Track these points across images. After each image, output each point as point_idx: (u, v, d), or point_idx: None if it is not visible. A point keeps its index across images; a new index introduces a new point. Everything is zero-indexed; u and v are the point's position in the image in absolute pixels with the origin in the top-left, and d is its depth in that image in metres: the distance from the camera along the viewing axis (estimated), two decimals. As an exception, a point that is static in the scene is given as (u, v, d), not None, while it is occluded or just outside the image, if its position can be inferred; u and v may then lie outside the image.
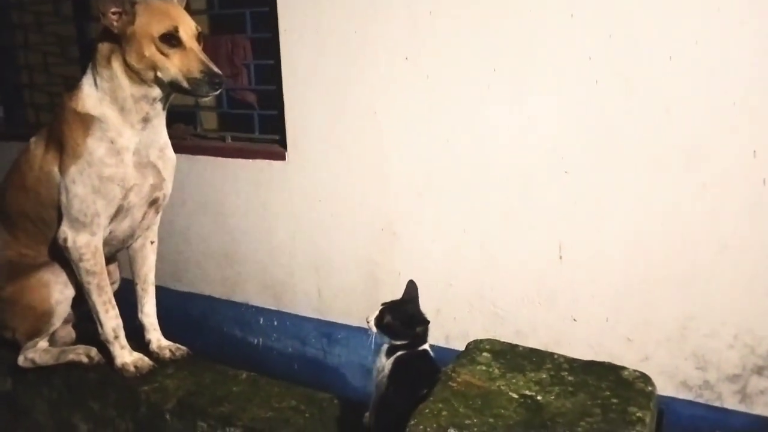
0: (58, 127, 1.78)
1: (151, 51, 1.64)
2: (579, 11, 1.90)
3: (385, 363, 1.56)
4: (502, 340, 1.63)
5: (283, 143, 2.53)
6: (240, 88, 2.82)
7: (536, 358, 1.48)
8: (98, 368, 1.94)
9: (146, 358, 1.92)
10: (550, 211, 2.07)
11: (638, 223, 1.95)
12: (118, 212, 1.80)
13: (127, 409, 1.86)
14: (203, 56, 1.66)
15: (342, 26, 2.28)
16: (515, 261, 2.17)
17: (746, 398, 1.91)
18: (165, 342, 2.01)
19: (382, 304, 1.65)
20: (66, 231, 1.78)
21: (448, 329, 2.33)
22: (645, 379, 1.38)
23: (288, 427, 1.67)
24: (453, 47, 2.11)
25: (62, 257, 1.86)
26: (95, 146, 1.72)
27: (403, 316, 1.57)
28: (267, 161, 2.56)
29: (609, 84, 1.91)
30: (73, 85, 1.81)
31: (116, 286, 2.12)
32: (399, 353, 1.54)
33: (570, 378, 1.38)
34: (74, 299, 1.96)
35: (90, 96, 1.73)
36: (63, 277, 1.90)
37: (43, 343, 1.99)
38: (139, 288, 2.02)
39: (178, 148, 1.94)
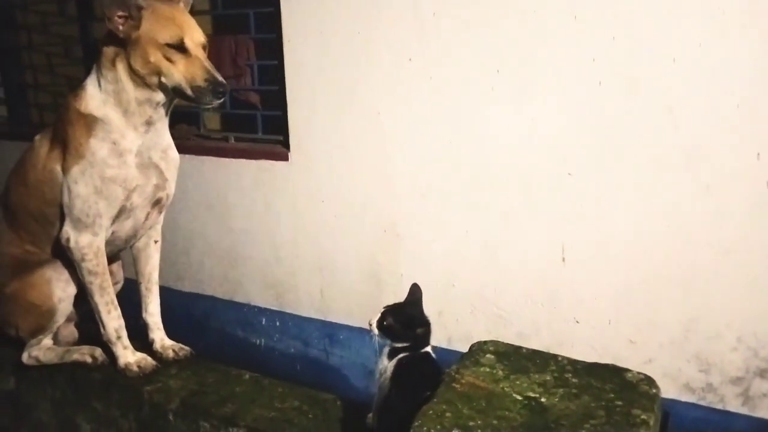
0: (62, 126, 1.79)
1: (156, 57, 1.65)
2: (582, 13, 1.90)
3: (387, 365, 1.56)
4: (505, 341, 1.63)
5: (286, 144, 2.53)
6: (243, 89, 2.82)
7: (540, 359, 1.48)
8: (102, 368, 1.94)
9: (149, 358, 1.92)
10: (552, 213, 2.07)
11: (641, 225, 1.95)
12: (121, 213, 1.80)
13: (131, 409, 1.86)
14: (208, 64, 1.66)
15: (346, 27, 2.28)
16: (518, 262, 2.16)
17: (749, 401, 1.91)
18: (168, 342, 2.02)
19: (384, 307, 1.65)
20: (68, 231, 1.79)
21: (450, 331, 2.33)
22: (649, 381, 1.38)
23: (291, 427, 1.68)
24: (457, 48, 2.11)
25: (65, 255, 1.87)
26: (98, 147, 1.72)
27: (404, 319, 1.57)
28: (270, 162, 2.56)
29: (612, 85, 1.91)
30: (76, 85, 1.82)
31: (119, 286, 2.12)
32: (401, 356, 1.55)
33: (574, 380, 1.39)
34: (77, 298, 1.97)
35: (94, 97, 1.74)
36: (65, 274, 1.90)
37: (47, 341, 1.99)
38: (142, 287, 2.02)
39: (181, 149, 1.95)
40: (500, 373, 1.43)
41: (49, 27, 3.35)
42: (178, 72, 1.65)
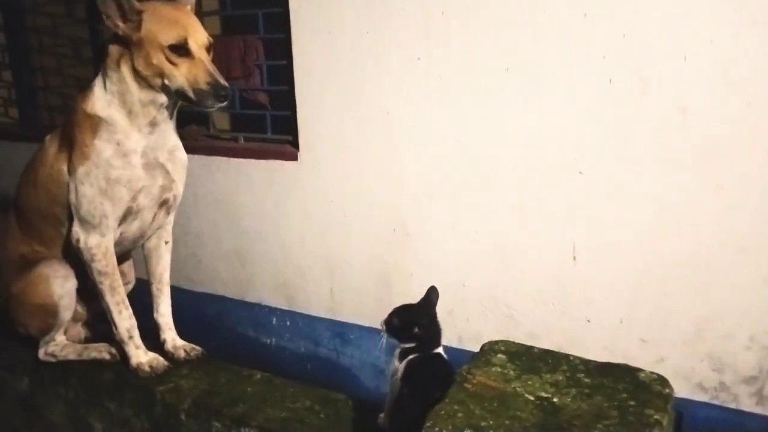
0: (70, 127, 1.80)
1: (159, 59, 1.64)
2: (592, 10, 1.89)
3: (398, 366, 1.57)
4: (516, 341, 1.63)
5: (295, 144, 2.53)
6: (252, 89, 2.83)
7: (552, 359, 1.47)
8: (114, 368, 1.95)
9: (161, 358, 1.93)
10: (563, 212, 2.06)
11: (653, 224, 1.94)
12: (128, 214, 1.81)
13: (143, 408, 1.87)
14: (211, 67, 1.65)
15: (354, 26, 2.28)
16: (528, 262, 2.16)
17: (763, 400, 1.89)
18: (180, 342, 2.02)
19: (395, 307, 1.66)
20: (78, 232, 1.80)
21: (461, 330, 2.33)
22: (662, 381, 1.37)
23: (303, 427, 1.68)
24: (466, 47, 2.10)
25: (69, 252, 1.87)
26: (102, 148, 1.73)
27: (407, 319, 1.58)
28: (279, 162, 2.57)
29: (623, 83, 1.90)
30: (86, 86, 1.82)
31: (130, 286, 2.14)
32: (411, 356, 1.55)
33: (586, 380, 1.38)
34: (89, 298, 1.98)
35: (99, 98, 1.74)
36: (62, 271, 1.91)
37: (60, 337, 2.01)
38: (154, 288, 2.03)
39: (190, 149, 1.95)
40: (512, 373, 1.42)
41: (59, 29, 3.37)
42: (180, 75, 1.64)
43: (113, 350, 1.99)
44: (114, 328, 1.89)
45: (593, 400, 1.31)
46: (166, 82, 1.66)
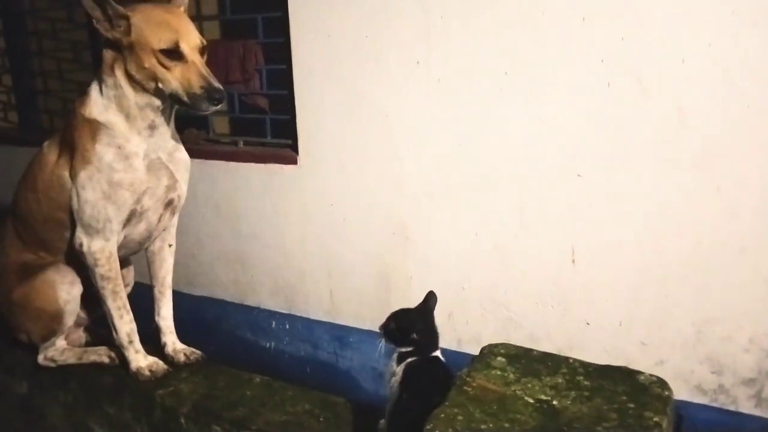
0: (69, 132, 1.79)
1: (151, 63, 1.63)
2: (591, 14, 1.90)
3: (396, 369, 1.57)
4: (515, 344, 1.63)
5: (295, 147, 2.54)
6: (252, 93, 2.83)
7: (551, 362, 1.48)
8: (114, 371, 1.95)
9: (161, 362, 1.93)
10: (562, 214, 2.07)
11: (652, 226, 1.94)
12: (132, 216, 1.80)
13: (143, 412, 1.87)
14: (205, 70, 1.63)
15: (354, 30, 2.29)
16: (528, 264, 2.16)
17: (762, 402, 1.89)
18: (180, 345, 2.02)
19: (393, 312, 1.66)
20: (81, 236, 1.80)
21: (460, 333, 2.33)
22: (661, 383, 1.37)
23: (302, 431, 1.68)
24: (465, 51, 2.11)
25: (72, 258, 1.87)
26: (103, 152, 1.72)
27: (403, 323, 1.58)
28: (279, 165, 2.57)
29: (622, 86, 1.90)
30: (85, 90, 1.83)
31: (129, 288, 2.14)
32: (409, 360, 1.55)
33: (586, 383, 1.38)
34: (88, 303, 1.98)
35: (97, 102, 1.74)
36: (69, 276, 1.91)
37: (61, 342, 2.01)
38: (156, 291, 2.03)
39: (190, 153, 1.95)
40: (511, 376, 1.43)
41: (59, 33, 3.38)
42: (174, 79, 1.63)
43: (113, 354, 1.99)
44: (114, 333, 1.89)
45: (593, 402, 1.31)
46: (160, 85, 1.65)
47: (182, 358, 1.99)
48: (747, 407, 1.91)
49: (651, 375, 1.41)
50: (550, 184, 2.07)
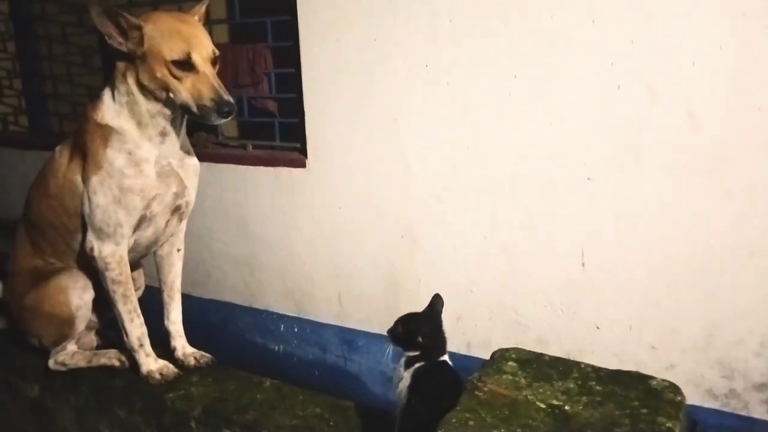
0: (81, 137, 1.80)
1: (163, 73, 1.63)
2: (600, 17, 1.89)
3: (404, 374, 1.57)
4: (524, 347, 1.63)
5: (303, 151, 2.54)
6: (261, 97, 2.84)
7: (563, 367, 1.47)
8: (124, 375, 1.96)
9: (171, 366, 1.94)
10: (572, 218, 2.06)
11: (662, 230, 1.93)
12: (141, 221, 1.81)
13: (153, 416, 1.88)
14: (216, 82, 1.63)
15: (362, 34, 2.29)
16: (537, 268, 2.15)
17: (774, 407, 1.88)
18: (190, 349, 2.03)
19: (400, 316, 1.66)
20: (92, 241, 1.81)
21: (469, 337, 2.33)
22: (674, 388, 1.37)
23: (312, 435, 1.68)
24: (473, 54, 2.11)
25: (84, 263, 1.88)
26: (114, 157, 1.73)
27: (410, 327, 1.58)
28: (288, 169, 2.58)
29: (631, 90, 1.90)
30: (95, 95, 1.83)
31: (140, 292, 2.15)
32: (417, 364, 1.55)
33: (598, 387, 1.38)
34: (99, 307, 1.99)
35: (109, 108, 1.75)
36: (81, 281, 1.92)
37: (71, 347, 2.02)
38: (165, 295, 2.04)
39: (199, 157, 1.96)
40: (523, 380, 1.42)
41: (69, 37, 3.40)
42: (185, 90, 1.63)
43: (123, 357, 2.00)
44: (125, 336, 1.90)
45: (605, 407, 1.31)
46: (171, 95, 1.66)
47: (192, 361, 2.00)
48: (759, 412, 1.90)
49: (663, 380, 1.40)
50: (559, 187, 2.06)
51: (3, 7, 3.57)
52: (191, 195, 1.91)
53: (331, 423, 1.73)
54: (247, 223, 2.75)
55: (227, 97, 1.63)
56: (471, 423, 1.28)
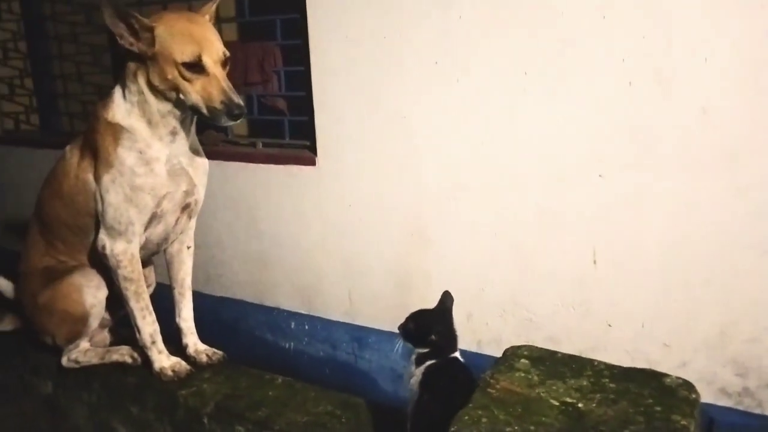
0: (92, 135, 1.81)
1: (173, 74, 1.64)
2: (611, 12, 1.88)
3: (414, 371, 1.57)
4: (536, 345, 1.62)
5: (313, 149, 2.54)
6: (270, 95, 2.85)
7: (576, 364, 1.47)
8: (137, 372, 1.97)
9: (184, 363, 1.94)
10: (584, 215, 2.05)
11: (675, 227, 1.92)
12: (152, 219, 1.82)
13: (166, 412, 1.88)
14: (226, 85, 1.63)
15: (372, 31, 2.29)
16: (549, 266, 2.15)
17: (788, 405, 1.87)
18: (202, 346, 2.04)
19: (412, 313, 1.66)
20: (104, 239, 1.82)
21: (480, 335, 2.32)
22: (688, 386, 1.36)
23: (325, 432, 1.69)
24: (483, 51, 2.10)
25: (96, 261, 1.89)
26: (125, 156, 1.74)
27: (422, 324, 1.58)
28: (297, 167, 2.58)
29: (643, 86, 1.88)
30: (105, 93, 1.84)
31: (152, 289, 2.16)
32: (429, 362, 1.55)
33: (611, 385, 1.37)
34: (112, 305, 2.00)
35: (120, 106, 1.75)
36: (95, 280, 1.93)
37: (84, 344, 2.03)
38: (176, 292, 2.04)
39: (209, 155, 1.97)
40: (536, 378, 1.42)
41: (79, 36, 3.42)
42: (195, 92, 1.63)
43: (135, 354, 2.01)
44: (137, 333, 1.91)
45: (619, 405, 1.30)
46: (181, 96, 1.66)
47: (204, 358, 2.01)
48: (773, 410, 1.89)
49: (677, 377, 1.39)
50: (571, 184, 2.05)
51: (14, 7, 3.59)
52: (201, 193, 1.92)
53: (343, 420, 1.74)
54: (257, 221, 2.75)
55: (237, 99, 1.63)
56: (484, 420, 1.28)
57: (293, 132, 2.68)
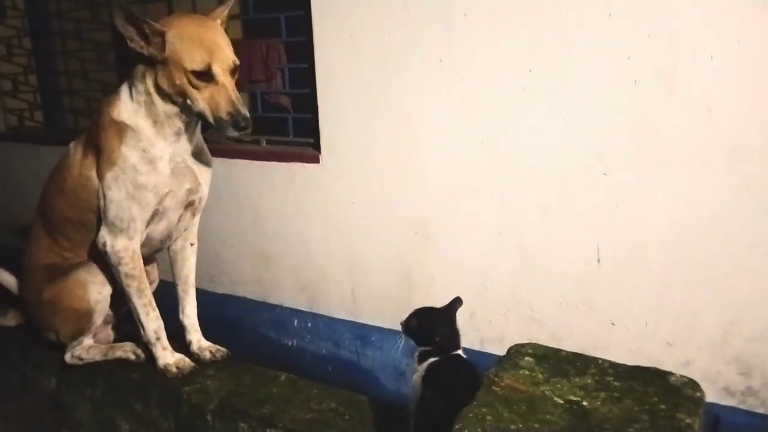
0: (96, 132, 1.81)
1: (182, 81, 1.63)
2: (617, 11, 1.88)
3: (417, 368, 1.57)
4: (540, 343, 1.62)
5: (317, 146, 2.54)
6: (274, 92, 2.85)
7: (580, 362, 1.47)
8: (141, 368, 1.98)
9: (187, 359, 1.95)
10: (587, 213, 2.05)
11: (679, 225, 1.92)
12: (154, 216, 1.82)
13: (169, 409, 1.89)
14: (234, 95, 1.62)
15: (376, 29, 2.29)
16: (552, 264, 2.15)
17: (792, 405, 1.87)
18: (206, 343, 2.04)
19: (415, 309, 1.66)
20: (105, 235, 1.82)
21: (482, 333, 2.32)
22: (693, 385, 1.36)
23: (328, 429, 1.68)
24: (488, 48, 2.10)
25: (101, 258, 1.90)
26: (129, 154, 1.74)
27: (426, 323, 1.58)
28: (301, 164, 2.58)
29: (648, 84, 1.88)
30: (110, 90, 1.84)
31: (155, 285, 2.15)
32: (432, 360, 1.55)
33: (616, 383, 1.37)
34: (114, 301, 2.00)
35: (126, 105, 1.75)
36: (100, 276, 1.93)
37: (88, 341, 2.03)
38: (179, 289, 2.04)
39: (213, 152, 1.97)
40: (540, 376, 1.42)
41: (83, 33, 3.42)
42: (202, 100, 1.63)
43: (138, 350, 2.01)
44: (141, 330, 1.91)
45: (623, 403, 1.30)
46: (188, 102, 1.66)
47: (208, 355, 2.01)
48: (776, 409, 1.89)
49: (682, 376, 1.39)
50: (575, 183, 2.05)
51: (19, 4, 3.60)
52: (204, 191, 1.92)
53: (346, 417, 1.74)
54: (260, 218, 2.76)
55: (244, 111, 1.62)
56: (488, 418, 1.28)
57: (297, 129, 2.68)
